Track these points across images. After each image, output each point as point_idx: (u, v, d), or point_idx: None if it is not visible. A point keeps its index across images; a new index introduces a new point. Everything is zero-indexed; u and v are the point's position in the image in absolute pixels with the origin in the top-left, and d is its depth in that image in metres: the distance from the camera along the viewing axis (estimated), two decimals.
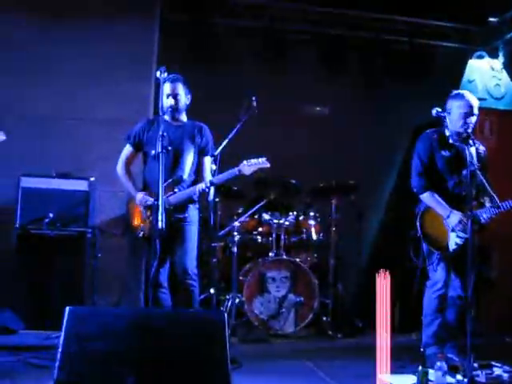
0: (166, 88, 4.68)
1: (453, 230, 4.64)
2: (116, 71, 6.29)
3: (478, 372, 4.39)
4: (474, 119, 4.71)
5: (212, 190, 4.77)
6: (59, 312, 3.32)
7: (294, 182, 6.68)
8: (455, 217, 4.63)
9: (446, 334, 4.81)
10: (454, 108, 4.72)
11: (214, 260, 6.27)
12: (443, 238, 4.71)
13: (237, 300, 6.07)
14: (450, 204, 4.70)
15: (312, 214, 6.76)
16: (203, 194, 4.74)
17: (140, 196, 4.70)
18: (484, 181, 4.54)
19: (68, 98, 6.24)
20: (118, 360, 3.22)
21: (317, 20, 7.43)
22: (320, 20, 7.43)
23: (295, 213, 6.64)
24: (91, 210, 5.90)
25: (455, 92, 4.90)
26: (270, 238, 6.47)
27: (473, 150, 4.53)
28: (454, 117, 4.71)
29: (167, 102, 4.70)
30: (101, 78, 6.27)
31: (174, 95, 4.75)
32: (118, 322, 3.32)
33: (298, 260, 6.38)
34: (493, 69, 7.74)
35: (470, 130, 4.64)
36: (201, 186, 4.64)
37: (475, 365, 4.37)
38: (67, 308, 3.28)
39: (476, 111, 4.72)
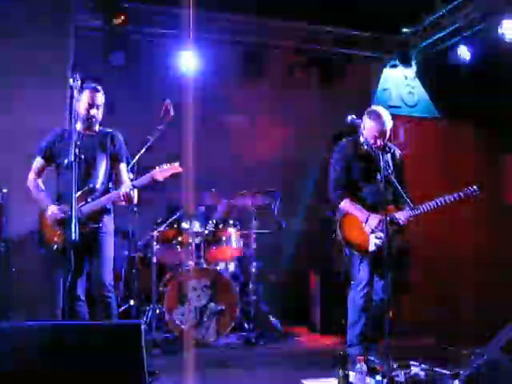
0: (86, 97, 4.57)
1: (372, 232, 4.75)
2: (28, 80, 6.09)
3: (398, 372, 4.48)
4: (384, 140, 4.81)
5: (136, 193, 4.64)
6: None
7: (213, 190, 6.65)
8: (374, 219, 4.75)
9: (370, 332, 4.90)
10: (367, 125, 4.84)
11: (133, 271, 6.16)
12: (363, 241, 4.82)
13: (157, 311, 6.00)
14: (368, 210, 4.82)
15: (231, 222, 6.74)
16: (128, 198, 4.54)
17: (51, 210, 4.55)
18: (398, 186, 4.67)
19: None
20: (30, 378, 3.08)
21: (238, 28, 7.44)
22: (242, 29, 7.45)
23: (214, 221, 6.61)
24: (4, 222, 5.70)
25: (372, 109, 4.97)
26: (190, 247, 6.41)
27: (389, 156, 4.65)
28: (366, 132, 4.83)
29: (88, 112, 4.59)
30: (13, 87, 6.06)
31: (96, 106, 4.64)
32: (28, 338, 3.17)
33: (218, 268, 6.35)
34: (406, 77, 7.99)
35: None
36: (124, 189, 4.51)
37: (394, 365, 4.47)
38: None
39: (388, 133, 4.83)
